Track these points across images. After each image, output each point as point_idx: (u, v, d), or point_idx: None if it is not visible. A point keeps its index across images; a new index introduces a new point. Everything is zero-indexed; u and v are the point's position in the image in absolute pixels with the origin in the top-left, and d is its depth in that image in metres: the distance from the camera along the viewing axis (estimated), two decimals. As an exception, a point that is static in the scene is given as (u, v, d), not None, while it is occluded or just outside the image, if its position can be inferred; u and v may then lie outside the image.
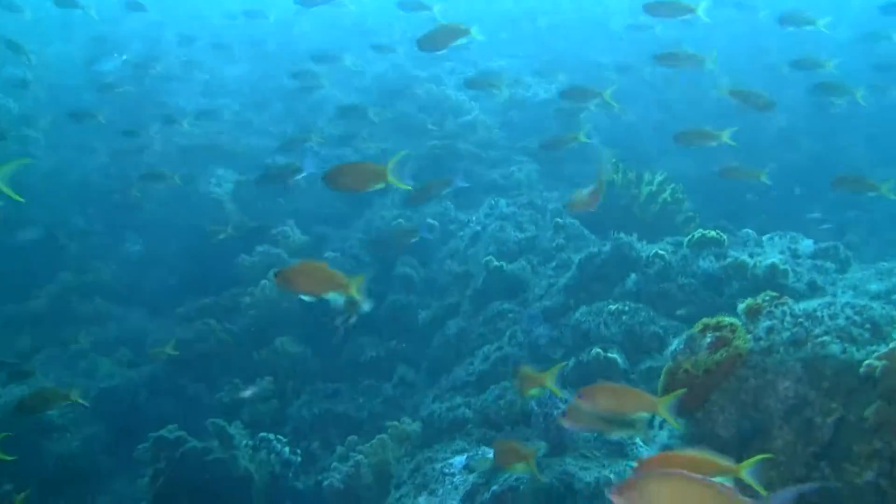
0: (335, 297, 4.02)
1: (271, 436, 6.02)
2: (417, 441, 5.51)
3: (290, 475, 6.02)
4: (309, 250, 8.99)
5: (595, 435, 3.91)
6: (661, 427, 3.81)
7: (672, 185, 8.10)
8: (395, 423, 5.70)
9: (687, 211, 7.93)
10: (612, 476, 3.57)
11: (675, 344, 3.27)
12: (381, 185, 4.41)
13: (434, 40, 6.31)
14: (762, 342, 3.08)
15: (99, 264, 9.69)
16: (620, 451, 3.87)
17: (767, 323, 3.13)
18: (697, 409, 3.12)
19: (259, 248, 8.78)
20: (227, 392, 7.39)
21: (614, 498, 2.51)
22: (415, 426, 5.66)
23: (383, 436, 5.57)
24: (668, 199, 7.96)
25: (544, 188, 9.72)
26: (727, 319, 3.20)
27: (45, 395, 5.97)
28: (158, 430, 6.45)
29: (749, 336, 3.12)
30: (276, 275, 4.15)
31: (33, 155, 11.22)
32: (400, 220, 8.77)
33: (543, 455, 3.85)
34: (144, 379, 7.89)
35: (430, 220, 8.31)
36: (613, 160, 8.22)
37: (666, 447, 3.24)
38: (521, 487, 3.64)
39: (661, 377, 3.26)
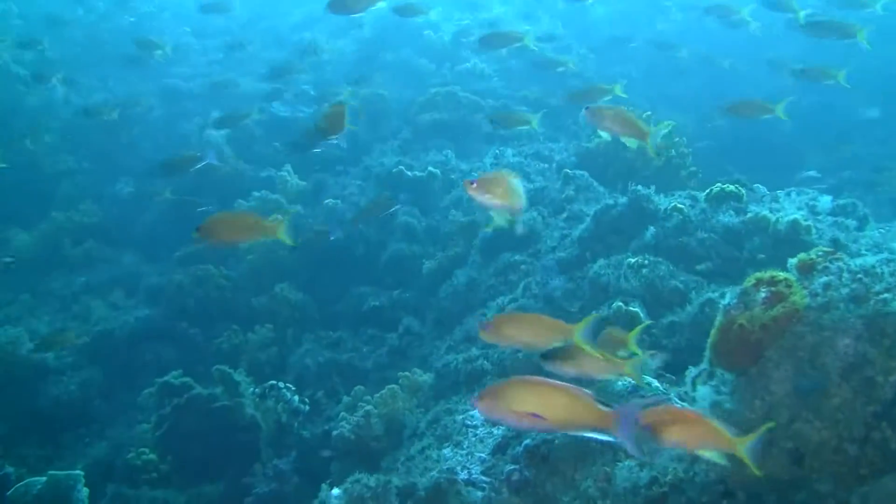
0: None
1: (281, 384, 5.92)
2: (430, 392, 5.43)
3: (296, 424, 5.94)
4: (307, 196, 8.84)
5: (628, 391, 3.83)
6: (698, 383, 3.75)
7: (676, 139, 7.99)
8: (407, 373, 5.61)
9: (690, 166, 7.82)
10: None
11: (727, 298, 3.18)
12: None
13: None
14: (819, 298, 3.00)
15: (89, 205, 9.50)
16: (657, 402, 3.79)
17: (824, 279, 3.05)
18: (751, 365, 3.04)
19: (256, 194, 8.62)
20: (226, 338, 7.28)
21: (476, 404, 2.65)
22: (426, 377, 5.58)
23: (394, 386, 5.48)
24: (673, 153, 7.84)
25: (545, 139, 9.58)
26: (781, 274, 3.10)
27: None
28: (156, 376, 6.37)
29: (805, 292, 3.04)
30: (197, 229, 4.05)
31: (19, 90, 10.97)
32: (401, 167, 8.61)
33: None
34: (141, 323, 7.75)
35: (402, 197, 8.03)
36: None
37: (715, 404, 3.15)
38: (557, 441, 3.56)
39: (713, 332, 3.17)
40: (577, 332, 3.12)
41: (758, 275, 3.15)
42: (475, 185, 3.60)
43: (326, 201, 8.38)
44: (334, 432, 5.41)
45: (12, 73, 10.94)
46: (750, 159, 9.49)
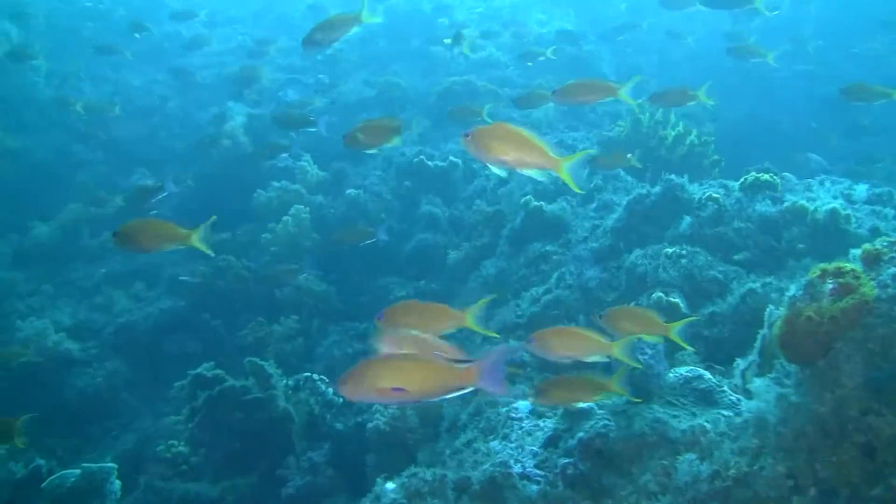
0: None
1: (315, 375, 5.89)
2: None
3: (329, 416, 5.90)
4: (328, 186, 8.79)
5: (682, 381, 3.79)
6: (750, 375, 3.72)
7: (696, 128, 7.96)
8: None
9: (712, 154, 7.79)
10: (707, 424, 3.46)
11: (791, 290, 3.13)
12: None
13: None
14: (890, 289, 2.95)
15: (106, 196, 9.45)
16: (709, 398, 3.76)
17: (892, 269, 3.01)
18: (819, 358, 3.01)
19: (276, 184, 8.58)
20: (251, 330, 7.25)
21: (340, 389, 2.65)
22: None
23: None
24: (696, 141, 7.82)
25: (565, 127, 9.54)
26: (848, 265, 3.06)
27: None
28: (179, 368, 6.33)
29: (873, 283, 3.00)
30: (114, 234, 4.00)
31: (34, 83, 10.90)
32: (421, 156, 8.57)
33: (625, 402, 3.73)
34: (164, 315, 7.72)
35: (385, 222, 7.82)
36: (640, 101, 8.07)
37: (781, 397, 3.12)
38: (612, 434, 3.53)
39: (778, 325, 3.12)
40: (469, 318, 3.32)
41: (823, 266, 3.10)
42: (469, 137, 3.27)
43: (348, 191, 8.33)
44: (369, 424, 5.37)
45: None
46: (758, 147, 9.51)
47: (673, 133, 7.82)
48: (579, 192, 3.87)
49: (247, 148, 9.44)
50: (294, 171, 8.88)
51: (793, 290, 3.12)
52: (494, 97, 9.90)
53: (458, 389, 2.63)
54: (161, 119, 10.82)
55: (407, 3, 12.18)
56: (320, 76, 10.73)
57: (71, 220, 9.11)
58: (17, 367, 6.81)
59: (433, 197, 8.16)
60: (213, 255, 4.24)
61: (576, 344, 3.46)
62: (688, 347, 3.86)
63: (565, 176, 3.15)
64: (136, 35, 9.82)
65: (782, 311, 3.15)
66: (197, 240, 3.92)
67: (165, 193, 6.69)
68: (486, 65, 10.90)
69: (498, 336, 3.23)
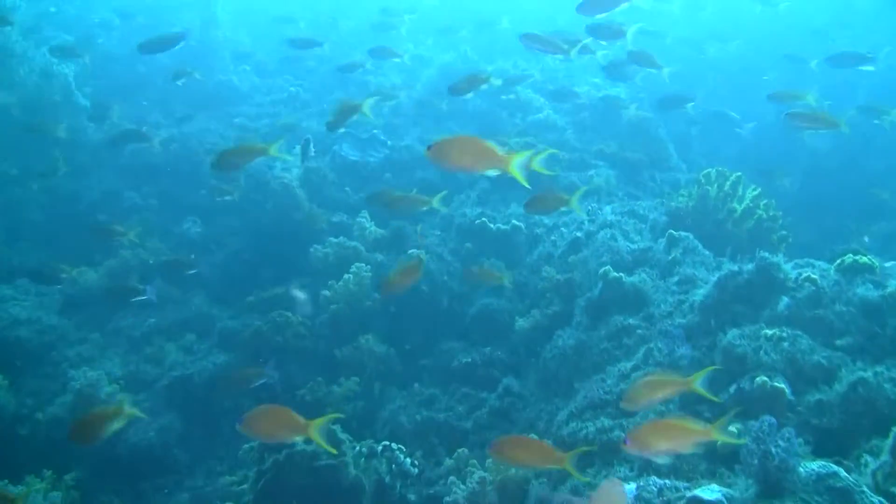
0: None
1: (394, 445, 5.66)
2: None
3: (399, 485, 5.67)
4: (385, 244, 8.63)
5: (815, 478, 3.58)
6: (882, 476, 3.52)
7: (765, 201, 7.81)
8: (522, 438, 5.37)
9: (780, 229, 7.62)
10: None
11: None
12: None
13: None
14: None
15: (157, 243, 9.31)
16: (848, 499, 3.54)
17: None
18: None
19: (333, 240, 8.43)
20: (309, 390, 7.05)
21: None
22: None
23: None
24: (764, 215, 7.65)
25: (624, 195, 9.40)
26: None
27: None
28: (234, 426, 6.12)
29: None
30: (239, 423, 4.10)
31: (84, 126, 10.83)
32: (483, 218, 8.45)
33: (755, 497, 3.52)
34: (218, 369, 7.53)
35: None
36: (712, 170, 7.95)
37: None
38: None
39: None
40: None
41: None
42: (431, 149, 3.98)
43: (411, 251, 8.17)
44: (446, 498, 5.17)
45: (78, 104, 10.80)
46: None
47: (741, 207, 7.67)
48: (527, 186, 4.35)
49: (303, 201, 9.30)
50: (351, 227, 8.73)
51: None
52: (554, 160, 9.77)
53: None
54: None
55: (463, 64, 12.11)
56: (375, 131, 10.62)
57: (119, 267, 8.95)
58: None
59: (496, 261, 7.99)
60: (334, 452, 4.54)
61: (674, 436, 3.39)
62: (715, 398, 4.04)
63: (514, 172, 3.73)
64: (178, 83, 9.74)
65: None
66: (315, 432, 3.95)
67: (145, 297, 6.94)
68: (542, 127, 10.79)
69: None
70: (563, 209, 7.16)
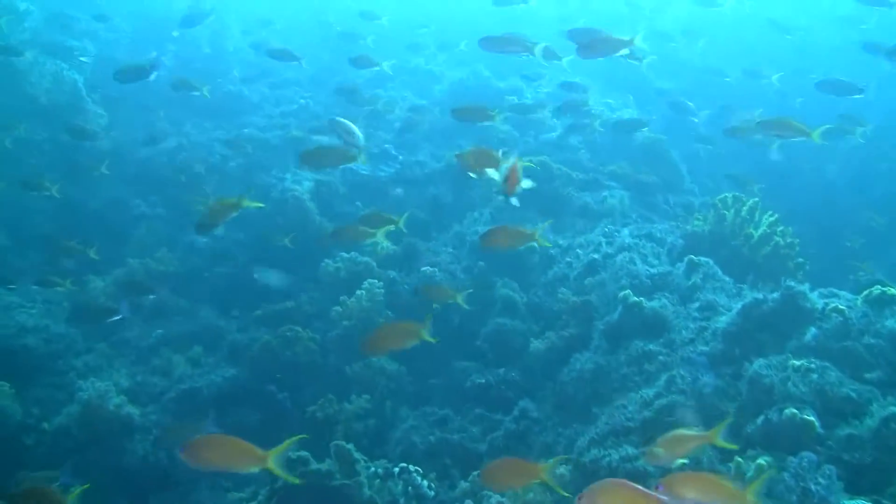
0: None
1: (411, 467, 5.56)
2: (569, 488, 5.08)
3: (412, 508, 5.57)
4: (397, 261, 8.54)
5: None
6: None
7: (781, 228, 7.74)
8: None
9: (797, 256, 7.55)
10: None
11: None
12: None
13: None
14: None
15: (165, 253, 9.21)
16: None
17: None
18: None
19: (344, 254, 8.33)
20: (320, 407, 6.93)
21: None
22: (562, 469, 5.23)
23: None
24: (781, 242, 7.59)
25: (638, 217, 9.33)
26: None
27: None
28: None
29: None
30: (181, 450, 3.84)
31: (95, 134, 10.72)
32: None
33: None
34: (227, 383, 7.42)
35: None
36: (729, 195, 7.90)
37: None
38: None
39: None
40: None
41: None
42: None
43: (424, 269, 8.08)
44: (464, 523, 5.07)
45: (91, 111, 10.73)
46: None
47: (757, 232, 7.61)
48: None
49: (314, 214, 9.22)
50: (363, 242, 8.63)
51: None
52: (568, 181, 9.71)
53: None
54: (220, 178, 10.61)
55: (476, 80, 12.06)
56: (386, 146, 10.56)
57: (126, 276, 8.83)
58: (79, 431, 6.55)
59: (509, 280, 7.91)
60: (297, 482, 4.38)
61: (707, 490, 3.36)
62: (734, 447, 4.03)
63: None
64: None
65: None
66: (273, 462, 3.69)
67: (119, 317, 6.87)
68: (556, 146, 10.72)
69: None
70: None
